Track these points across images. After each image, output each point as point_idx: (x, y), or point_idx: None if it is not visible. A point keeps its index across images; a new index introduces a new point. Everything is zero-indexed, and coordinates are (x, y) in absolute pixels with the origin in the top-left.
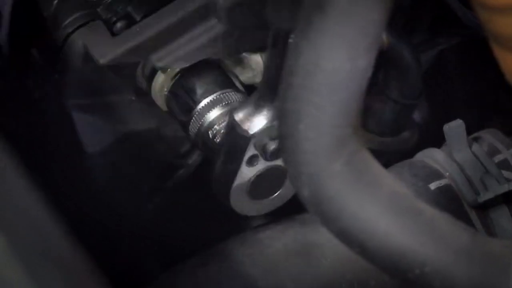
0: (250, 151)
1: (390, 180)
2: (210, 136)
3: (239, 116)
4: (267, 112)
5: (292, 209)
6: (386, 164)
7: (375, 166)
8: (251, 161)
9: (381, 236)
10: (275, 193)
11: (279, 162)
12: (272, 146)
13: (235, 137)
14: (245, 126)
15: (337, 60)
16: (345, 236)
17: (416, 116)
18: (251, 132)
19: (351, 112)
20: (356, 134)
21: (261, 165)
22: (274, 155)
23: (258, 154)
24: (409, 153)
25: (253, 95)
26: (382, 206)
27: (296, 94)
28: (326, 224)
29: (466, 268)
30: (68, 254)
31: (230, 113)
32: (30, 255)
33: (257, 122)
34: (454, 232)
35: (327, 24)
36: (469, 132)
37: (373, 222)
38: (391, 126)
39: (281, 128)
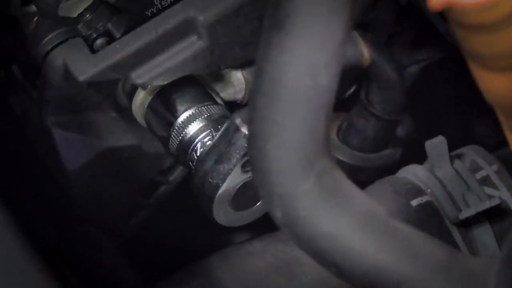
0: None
1: (362, 198)
2: (192, 149)
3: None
4: None
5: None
6: (368, 181)
7: (347, 184)
8: (245, 165)
9: (356, 256)
10: (255, 205)
11: None
12: None
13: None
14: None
15: (297, 78)
16: (320, 256)
17: (400, 132)
18: None
19: (317, 129)
20: (326, 152)
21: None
22: None
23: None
24: (392, 170)
25: None
26: (354, 225)
27: (261, 115)
28: (300, 245)
29: (443, 286)
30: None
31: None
32: None
33: None
34: (430, 249)
35: (286, 42)
36: (453, 147)
37: (346, 241)
38: (374, 142)
39: (250, 150)
